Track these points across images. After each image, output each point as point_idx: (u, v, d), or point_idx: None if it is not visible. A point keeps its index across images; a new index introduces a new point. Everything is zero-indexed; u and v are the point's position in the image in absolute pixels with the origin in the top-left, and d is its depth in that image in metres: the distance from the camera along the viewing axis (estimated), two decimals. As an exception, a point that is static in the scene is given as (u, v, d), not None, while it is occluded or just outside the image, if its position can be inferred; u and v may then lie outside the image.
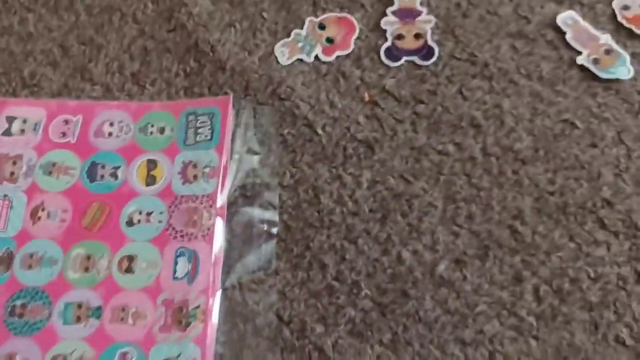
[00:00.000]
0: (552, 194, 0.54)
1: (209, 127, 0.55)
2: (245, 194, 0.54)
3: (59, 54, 0.61)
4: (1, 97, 0.58)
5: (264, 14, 0.63)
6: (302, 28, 0.61)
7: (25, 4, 0.64)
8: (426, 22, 0.61)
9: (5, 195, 0.53)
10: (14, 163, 0.54)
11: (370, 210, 0.54)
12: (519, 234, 0.52)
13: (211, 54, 0.60)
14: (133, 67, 0.60)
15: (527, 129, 0.57)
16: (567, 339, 0.49)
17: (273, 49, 0.61)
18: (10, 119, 0.56)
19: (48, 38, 0.62)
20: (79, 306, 0.49)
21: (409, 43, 0.60)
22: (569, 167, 0.55)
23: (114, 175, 0.54)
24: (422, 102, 0.58)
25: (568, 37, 0.61)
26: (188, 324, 0.48)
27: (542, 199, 0.54)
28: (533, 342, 0.49)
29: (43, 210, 0.52)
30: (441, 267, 0.51)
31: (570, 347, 0.48)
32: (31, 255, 0.51)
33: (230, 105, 0.56)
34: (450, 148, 0.56)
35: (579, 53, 0.60)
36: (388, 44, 0.60)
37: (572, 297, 0.50)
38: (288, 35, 0.61)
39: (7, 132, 0.55)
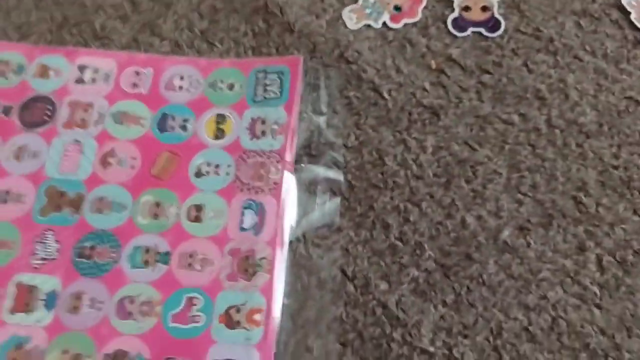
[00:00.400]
0: (616, 168, 0.54)
1: (278, 85, 0.55)
2: (310, 153, 0.55)
3: (129, 8, 0.62)
4: (72, 47, 0.58)
5: (332, -20, 0.63)
6: (369, -5, 0.62)
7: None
8: (493, -5, 0.61)
9: (77, 140, 0.53)
10: (85, 110, 0.55)
11: (434, 175, 0.54)
12: (583, 204, 0.52)
13: (279, 15, 0.61)
14: (202, 25, 0.61)
15: (592, 104, 0.57)
16: (630, 310, 0.49)
17: (340, 14, 0.61)
18: (82, 68, 0.57)
19: (118, -8, 0.63)
20: (147, 250, 0.49)
21: (476, 15, 0.60)
22: (633, 142, 0.55)
23: (184, 127, 0.54)
24: (487, 72, 0.58)
25: (633, 17, 0.61)
26: (254, 273, 0.48)
27: (606, 173, 0.54)
28: (596, 311, 0.49)
29: (113, 156, 0.53)
30: (505, 233, 0.51)
31: (633, 318, 0.48)
32: (101, 199, 0.51)
33: (301, 65, 0.56)
34: (515, 118, 0.56)
35: (644, 33, 0.60)
36: (455, 14, 0.60)
37: (636, 269, 0.50)
38: (355, 1, 0.62)
39: (80, 80, 0.56)
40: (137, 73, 0.56)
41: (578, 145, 0.55)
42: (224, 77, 0.56)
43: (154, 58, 0.58)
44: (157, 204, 0.51)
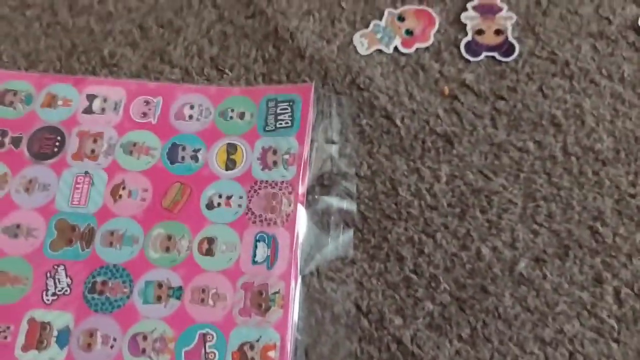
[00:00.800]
0: (633, 196, 0.53)
1: (289, 114, 0.55)
2: (322, 183, 0.54)
3: (138, 35, 0.61)
4: (81, 75, 0.58)
5: (342, 4, 0.62)
6: (380, 19, 0.61)
7: (103, -16, 0.65)
8: (507, 18, 0.60)
9: (87, 172, 0.53)
10: (95, 141, 0.54)
11: (449, 205, 0.53)
12: (599, 235, 0.52)
13: (290, 41, 0.60)
14: (212, 51, 0.60)
15: (608, 130, 0.56)
16: (649, 344, 0.48)
17: (351, 39, 0.60)
18: (91, 97, 0.56)
19: (127, 19, 0.62)
20: (160, 285, 0.49)
21: (489, 39, 0.60)
22: (650, 170, 0.54)
23: (195, 157, 0.53)
24: (502, 98, 0.57)
25: (650, 39, 0.60)
26: (268, 309, 0.48)
27: (623, 201, 0.53)
28: (614, 345, 0.48)
29: (124, 188, 0.52)
30: (521, 265, 0.51)
31: (652, 352, 0.48)
32: (112, 233, 0.51)
33: (312, 94, 0.55)
34: (531, 145, 0.55)
35: (661, 56, 0.59)
36: (468, 38, 0.60)
37: (655, 302, 0.49)
38: (366, 26, 0.61)
39: (88, 110, 0.56)
40: (147, 102, 0.56)
41: (594, 173, 0.54)
42: (234, 106, 0.56)
43: (164, 86, 0.57)
44: (169, 237, 0.51)
